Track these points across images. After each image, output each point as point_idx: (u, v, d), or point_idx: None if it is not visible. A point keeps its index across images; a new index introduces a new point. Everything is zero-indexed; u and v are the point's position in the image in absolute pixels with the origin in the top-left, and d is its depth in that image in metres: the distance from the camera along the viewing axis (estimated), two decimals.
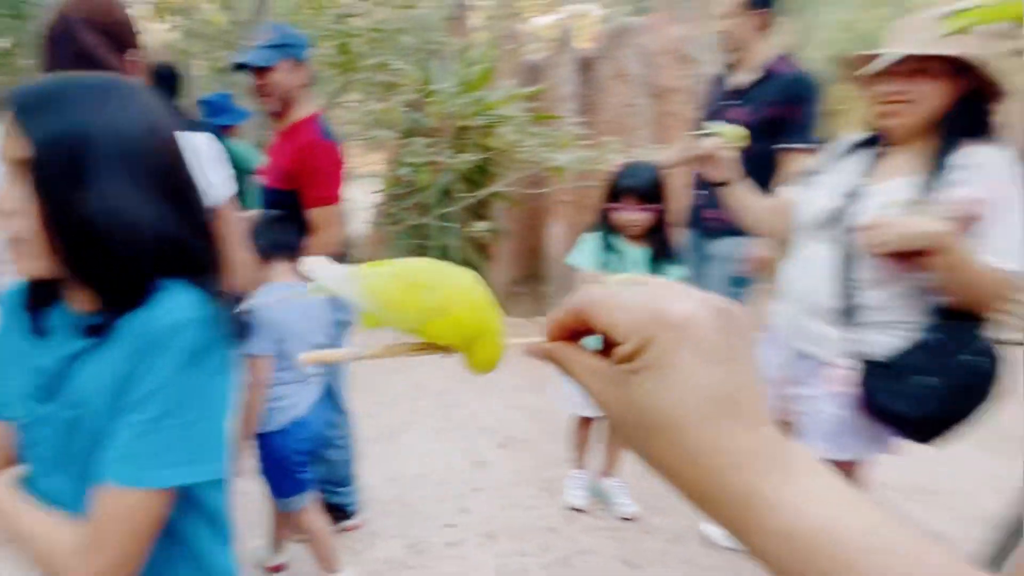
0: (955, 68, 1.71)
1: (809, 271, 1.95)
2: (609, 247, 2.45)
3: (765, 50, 2.94)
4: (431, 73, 4.67)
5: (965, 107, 1.76)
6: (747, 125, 2.67)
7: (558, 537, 2.61)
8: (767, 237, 2.38)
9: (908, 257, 1.69)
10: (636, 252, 2.45)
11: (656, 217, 2.43)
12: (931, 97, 1.76)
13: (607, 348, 0.42)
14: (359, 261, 0.57)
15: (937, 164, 1.74)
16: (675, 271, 2.48)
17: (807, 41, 6.07)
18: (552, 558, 2.48)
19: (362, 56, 4.32)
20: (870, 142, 1.94)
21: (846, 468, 1.94)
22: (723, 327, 0.38)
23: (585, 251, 2.49)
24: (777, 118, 2.83)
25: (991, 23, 0.82)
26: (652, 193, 2.41)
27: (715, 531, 2.56)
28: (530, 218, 5.41)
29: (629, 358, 0.39)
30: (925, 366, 1.78)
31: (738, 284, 2.90)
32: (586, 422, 2.79)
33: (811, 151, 2.67)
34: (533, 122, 4.61)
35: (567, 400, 2.74)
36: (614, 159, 4.07)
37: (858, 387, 1.85)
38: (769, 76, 2.90)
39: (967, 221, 1.68)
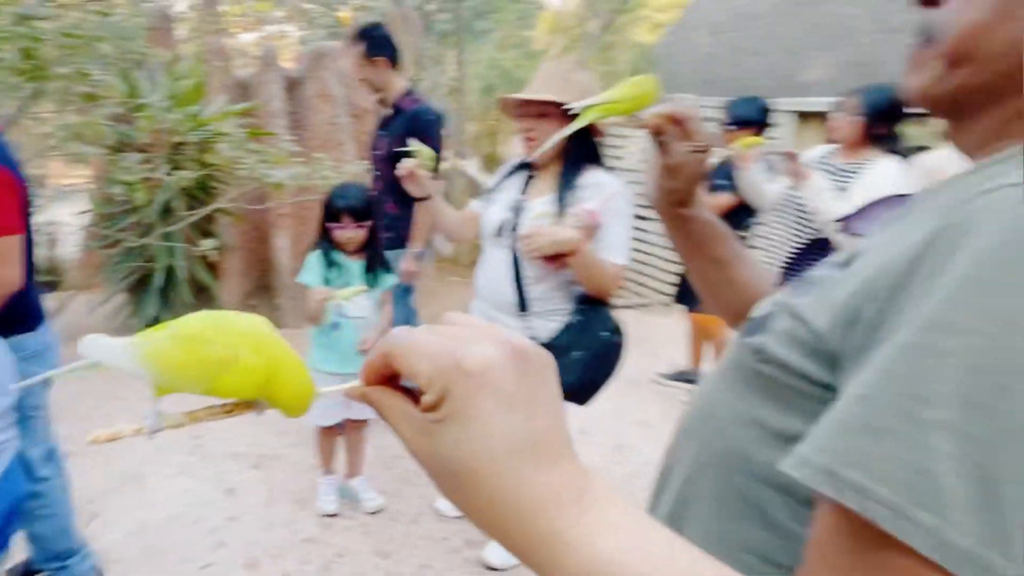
0: (565, 111, 1.96)
1: (492, 272, 2.28)
2: (331, 263, 2.59)
3: (398, 87, 3.26)
4: (137, 85, 4.27)
5: (579, 141, 2.08)
6: (385, 155, 3.15)
7: (316, 546, 2.66)
8: (462, 241, 2.70)
9: (554, 259, 2.08)
10: (355, 265, 2.63)
11: (369, 233, 2.62)
12: (551, 134, 2.00)
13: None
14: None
15: (565, 185, 2.15)
16: (388, 280, 2.71)
17: (467, 75, 6.85)
18: (312, 569, 2.53)
19: (53, 63, 3.80)
20: (525, 164, 2.31)
21: None
22: (520, 370, 0.39)
23: (311, 269, 2.60)
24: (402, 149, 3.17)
25: (626, 113, 0.90)
26: (364, 211, 2.58)
27: (445, 505, 2.82)
28: (255, 232, 5.28)
29: (433, 408, 0.38)
30: (575, 343, 2.17)
31: (403, 291, 3.21)
32: (329, 431, 2.87)
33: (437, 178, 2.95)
34: (248, 138, 4.53)
35: (310, 411, 2.79)
36: (327, 175, 4.19)
37: None
38: (398, 111, 3.23)
39: (591, 228, 2.09)
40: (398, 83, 3.27)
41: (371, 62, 3.20)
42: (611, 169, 2.26)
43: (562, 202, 2.12)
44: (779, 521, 0.59)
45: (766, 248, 3.35)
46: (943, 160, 3.31)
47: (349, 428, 2.90)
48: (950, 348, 0.41)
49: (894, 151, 2.98)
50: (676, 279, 4.44)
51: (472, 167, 6.02)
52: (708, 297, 1.01)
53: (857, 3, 5.89)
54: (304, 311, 2.65)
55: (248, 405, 0.46)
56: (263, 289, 5.45)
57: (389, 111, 3.29)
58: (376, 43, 3.20)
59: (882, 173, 2.83)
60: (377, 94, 3.31)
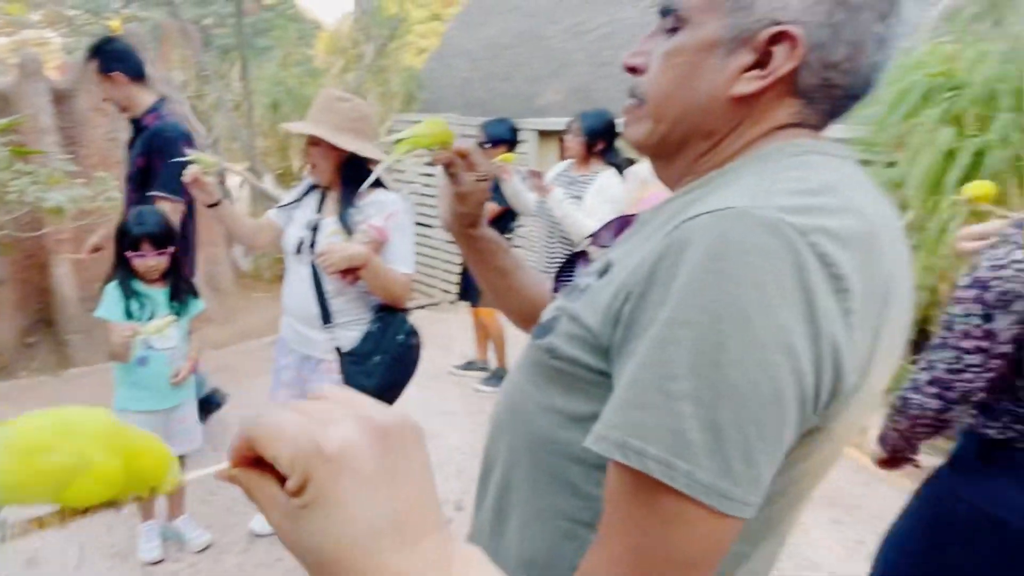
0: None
1: (296, 288, 2.34)
2: (131, 293, 2.38)
3: (143, 103, 3.00)
4: None
5: (352, 165, 2.25)
6: (129, 175, 3.00)
7: None
8: (257, 248, 2.67)
9: (348, 272, 2.17)
10: (158, 294, 2.45)
11: (171, 258, 2.45)
12: (323, 159, 2.26)
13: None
14: None
15: (345, 205, 2.25)
16: (196, 306, 2.55)
17: (252, 91, 7.02)
18: None
19: None
20: (318, 185, 2.39)
21: None
22: (382, 448, 0.37)
23: (110, 302, 2.37)
24: (145, 168, 2.92)
25: (426, 148, 0.95)
26: (164, 236, 2.42)
27: (259, 523, 2.75)
28: (30, 261, 4.75)
29: (297, 493, 0.36)
30: (375, 348, 2.27)
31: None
32: None
33: (172, 201, 2.78)
34: (14, 158, 4.24)
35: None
36: (113, 196, 3.98)
37: (340, 374, 2.29)
38: (141, 129, 2.99)
39: (378, 242, 2.21)
40: (143, 99, 3.01)
41: (108, 78, 2.93)
42: (387, 187, 2.39)
43: (345, 221, 2.23)
44: (582, 488, 0.71)
45: (528, 248, 3.82)
46: (650, 169, 4.22)
47: None
48: (681, 337, 0.55)
49: (613, 163, 3.55)
50: (459, 279, 4.75)
51: (267, 182, 6.15)
52: (499, 304, 1.11)
53: (577, 41, 6.97)
54: (107, 348, 2.37)
55: (106, 504, 0.40)
56: (44, 324, 4.91)
57: (131, 130, 3.08)
58: (110, 57, 2.94)
59: (605, 182, 3.41)
60: (124, 112, 3.04)
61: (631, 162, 6.48)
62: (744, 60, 0.67)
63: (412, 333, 2.37)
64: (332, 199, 2.36)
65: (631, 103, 0.77)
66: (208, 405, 3.41)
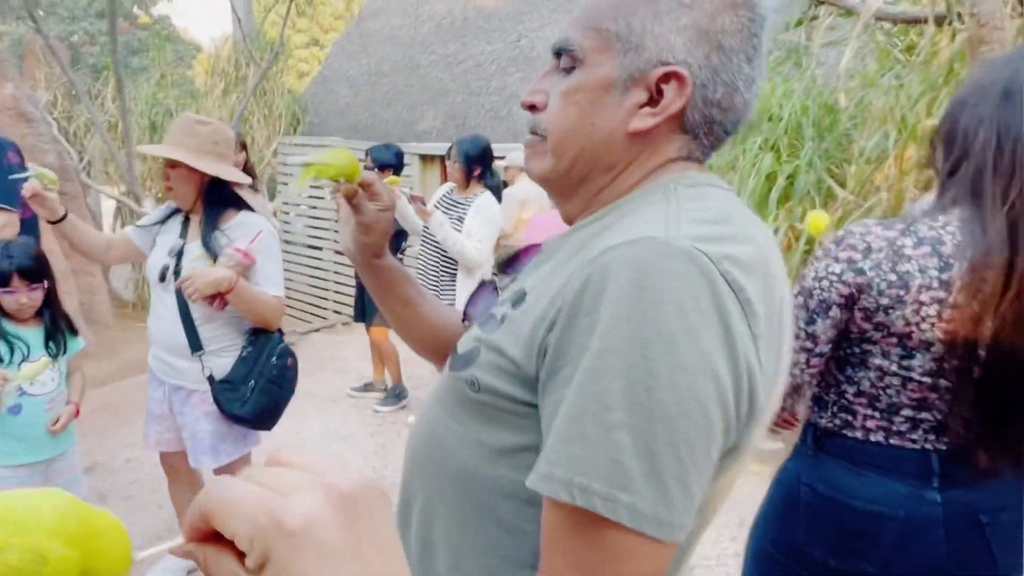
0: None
1: (163, 317, 2.20)
2: (1, 336, 2.07)
3: None
4: None
5: (215, 188, 2.18)
6: None
7: None
8: (108, 264, 2.62)
9: (215, 298, 2.08)
10: (31, 335, 2.13)
11: (45, 294, 2.14)
12: (183, 183, 2.15)
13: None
14: None
15: (208, 229, 2.15)
16: (75, 344, 2.25)
17: (128, 112, 6.76)
18: None
19: None
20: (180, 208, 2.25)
21: (233, 467, 2.24)
22: (347, 518, 0.33)
23: None
24: None
25: (331, 179, 0.87)
26: (37, 271, 2.10)
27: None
28: None
29: (256, 572, 0.33)
30: (249, 373, 2.17)
31: None
32: None
33: (5, 211, 2.43)
34: None
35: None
36: None
37: (215, 402, 2.18)
38: None
39: (244, 266, 2.11)
40: None
41: None
42: (253, 210, 2.27)
43: (209, 245, 2.13)
44: (513, 524, 0.67)
45: (417, 267, 3.87)
46: (525, 190, 4.36)
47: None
48: (612, 366, 0.55)
49: (490, 186, 3.73)
50: (355, 300, 4.67)
51: (147, 207, 5.87)
52: (403, 334, 1.06)
53: (450, 71, 7.24)
54: None
55: None
56: None
57: None
58: None
59: (483, 204, 3.55)
60: None
61: (506, 184, 6.72)
62: (638, 98, 0.69)
63: (286, 354, 2.28)
64: (195, 223, 2.24)
65: (532, 139, 0.76)
66: None
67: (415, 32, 7.64)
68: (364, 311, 4.44)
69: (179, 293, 2.13)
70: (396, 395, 4.48)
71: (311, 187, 7.83)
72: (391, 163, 4.10)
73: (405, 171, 5.45)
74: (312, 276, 7.45)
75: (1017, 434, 1.12)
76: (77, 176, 6.24)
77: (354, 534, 0.33)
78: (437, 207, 3.61)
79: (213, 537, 0.35)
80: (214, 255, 2.14)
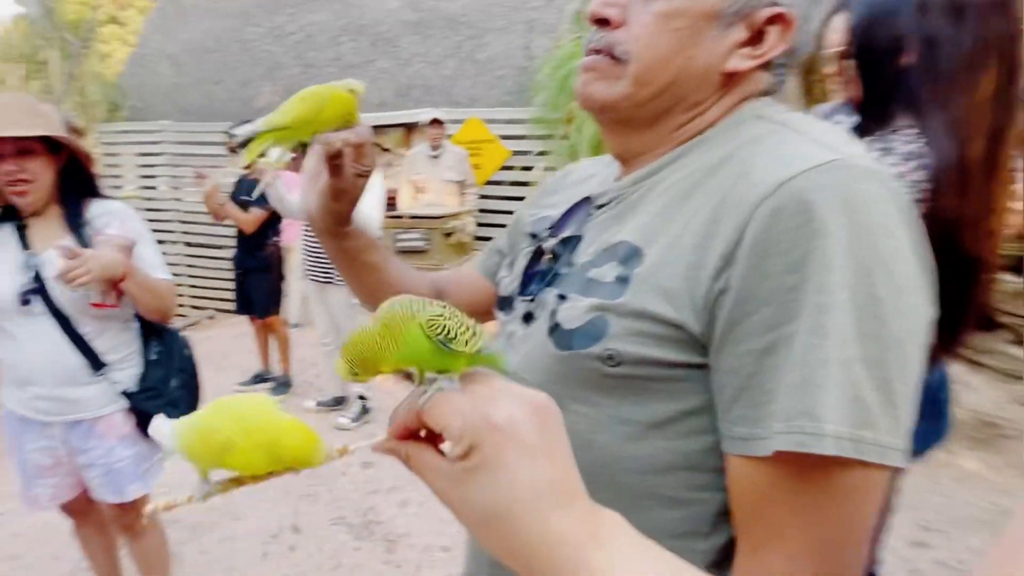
0: (51, 146, 1.68)
1: (35, 350, 1.70)
2: None
3: None
4: None
5: (72, 175, 1.74)
6: None
7: None
8: None
9: (108, 292, 1.68)
10: None
11: None
12: (44, 172, 1.68)
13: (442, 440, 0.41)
14: None
15: (76, 223, 1.72)
16: None
17: None
18: None
19: None
20: (5, 216, 1.74)
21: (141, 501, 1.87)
22: (540, 423, 0.38)
23: None
24: None
25: (304, 138, 0.71)
26: None
27: None
28: None
29: (462, 459, 0.38)
30: (167, 374, 1.83)
31: None
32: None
33: None
34: None
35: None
36: None
37: (133, 419, 1.81)
38: None
39: (128, 248, 1.71)
40: None
41: None
42: (110, 197, 1.88)
43: (82, 241, 1.68)
44: (676, 495, 0.58)
45: (303, 254, 3.55)
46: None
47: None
48: (838, 300, 0.48)
49: None
50: (235, 291, 4.23)
51: None
52: (371, 303, 0.89)
53: (280, 44, 6.51)
54: None
55: (264, 475, 0.45)
56: None
57: None
58: None
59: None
60: None
61: (384, 149, 6.24)
62: (738, 36, 0.61)
63: (188, 344, 1.96)
64: (42, 226, 1.72)
65: (598, 59, 0.64)
66: None
67: (237, 3, 6.77)
68: (249, 302, 4.06)
69: (57, 313, 1.68)
70: (286, 384, 4.20)
71: (142, 176, 6.90)
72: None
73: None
74: (189, 266, 6.68)
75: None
76: None
77: (546, 437, 0.38)
78: None
79: (414, 438, 0.41)
80: (83, 250, 1.67)
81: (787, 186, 0.51)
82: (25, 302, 1.66)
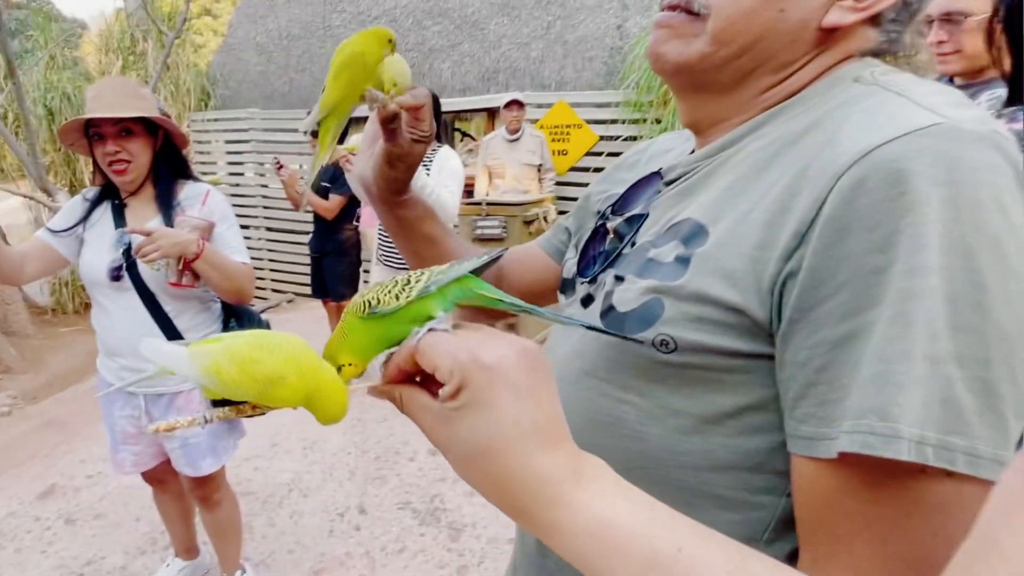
0: (149, 128, 1.80)
1: (122, 322, 1.82)
2: None
3: None
4: None
5: (166, 157, 1.85)
6: None
7: None
8: (19, 283, 2.05)
9: (185, 269, 1.77)
10: None
11: None
12: (143, 153, 1.79)
13: (436, 387, 0.42)
14: None
15: (167, 204, 1.82)
16: None
17: (27, 97, 5.89)
18: None
19: None
20: (105, 195, 1.87)
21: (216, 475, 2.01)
22: (529, 366, 0.39)
23: None
24: None
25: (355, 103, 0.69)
26: None
27: None
28: None
29: (452, 397, 0.39)
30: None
31: None
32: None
33: None
34: None
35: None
36: None
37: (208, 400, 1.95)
38: None
39: (205, 229, 1.80)
40: None
41: None
42: (199, 179, 1.98)
43: (170, 223, 1.79)
44: (733, 496, 0.54)
45: (381, 235, 3.58)
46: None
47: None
48: (930, 285, 0.42)
49: (439, 138, 3.39)
50: (311, 276, 4.38)
51: (61, 201, 5.16)
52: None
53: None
54: None
55: (284, 406, 0.47)
56: None
57: None
58: None
59: (446, 156, 3.20)
60: None
61: (465, 135, 6.20)
62: None
63: (268, 326, 1.97)
64: (137, 207, 1.85)
65: (673, 16, 0.59)
66: None
67: None
68: (324, 286, 4.13)
69: (142, 289, 1.79)
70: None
71: (230, 163, 7.18)
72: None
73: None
74: (270, 251, 6.92)
75: None
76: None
77: (534, 379, 0.40)
78: None
79: (407, 383, 0.44)
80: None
81: (877, 153, 0.45)
82: (116, 277, 1.79)
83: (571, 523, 0.38)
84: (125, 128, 1.76)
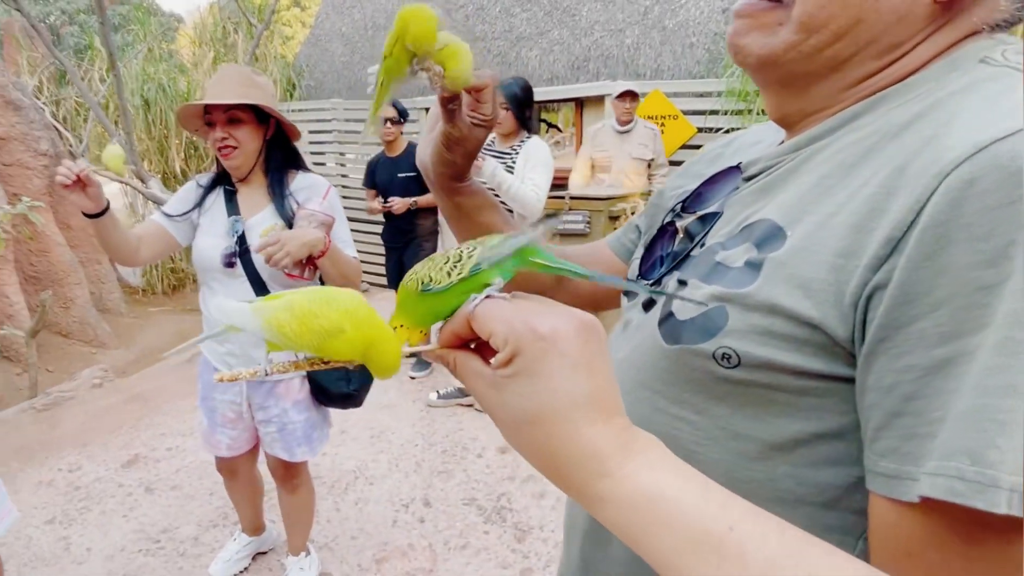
0: (259, 115, 1.91)
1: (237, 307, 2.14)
2: None
3: None
4: None
5: (278, 146, 1.97)
6: None
7: None
8: (135, 265, 2.08)
9: (303, 266, 1.85)
10: None
11: None
12: (251, 141, 1.89)
13: (489, 354, 0.43)
14: None
15: (279, 193, 1.93)
16: None
17: (125, 88, 6.46)
18: None
19: None
20: (219, 181, 2.01)
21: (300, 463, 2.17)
22: (583, 338, 0.40)
23: None
24: None
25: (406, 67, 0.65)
26: None
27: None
28: None
29: (505, 364, 0.40)
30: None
31: None
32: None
33: None
34: None
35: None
36: None
37: (311, 387, 2.06)
38: None
39: (328, 225, 1.89)
40: None
41: None
42: (309, 170, 2.10)
43: (283, 212, 1.92)
44: None
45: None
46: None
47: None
48: None
49: (531, 131, 3.40)
50: (385, 266, 4.64)
51: (154, 187, 5.65)
52: None
53: (450, 17, 6.80)
54: None
55: (342, 362, 0.50)
56: None
57: None
58: None
59: (534, 147, 3.23)
60: None
61: (551, 126, 6.17)
62: None
63: None
64: (248, 194, 1.99)
65: (753, 2, 0.56)
66: None
67: None
68: (398, 277, 4.28)
69: (253, 276, 1.93)
70: (428, 360, 4.37)
71: (313, 152, 7.57)
72: (517, 96, 3.36)
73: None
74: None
75: None
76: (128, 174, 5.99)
77: (588, 351, 0.40)
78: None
79: (462, 348, 0.45)
80: (288, 224, 1.91)
81: (994, 148, 0.41)
82: (229, 264, 1.92)
83: (617, 494, 0.38)
84: (233, 116, 1.88)
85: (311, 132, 7.60)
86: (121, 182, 7.00)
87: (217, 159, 1.98)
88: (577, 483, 0.40)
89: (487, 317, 0.42)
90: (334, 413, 2.26)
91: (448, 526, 2.71)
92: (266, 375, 0.51)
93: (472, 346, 0.46)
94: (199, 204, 2.01)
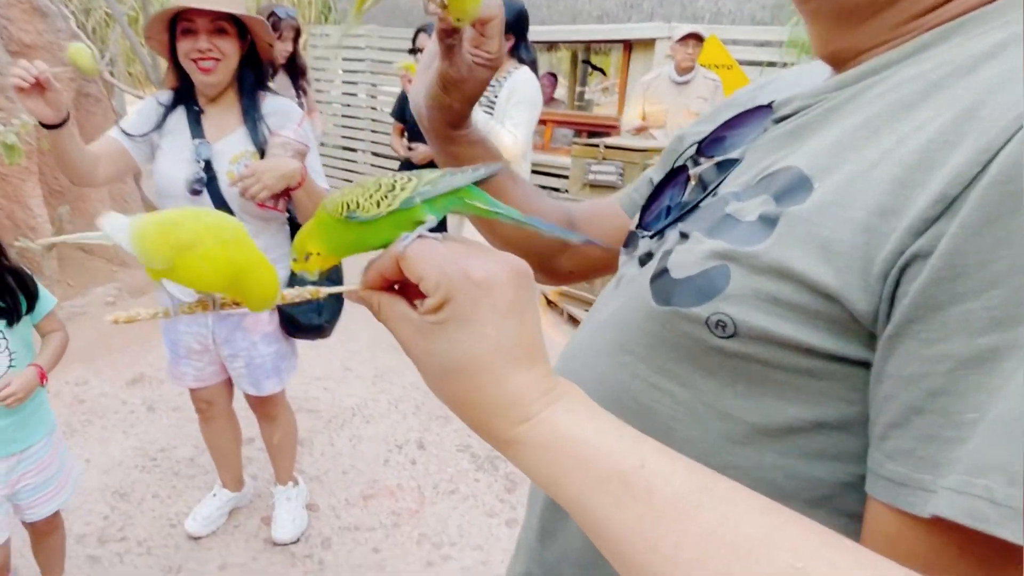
0: (240, 28, 1.87)
1: None
2: None
3: None
4: None
5: (251, 65, 1.93)
6: None
7: None
8: (90, 185, 1.95)
9: (277, 197, 1.86)
10: None
11: None
12: (231, 53, 1.84)
13: (415, 296, 0.44)
14: None
15: (253, 117, 1.90)
16: (43, 305, 1.84)
17: (152, 2, 6.64)
18: None
19: None
20: (180, 99, 1.94)
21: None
22: (516, 284, 0.42)
23: None
24: None
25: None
26: None
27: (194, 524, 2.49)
28: None
29: (435, 311, 0.41)
30: (319, 281, 2.42)
31: None
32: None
33: None
34: None
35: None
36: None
37: (280, 318, 2.12)
38: None
39: (303, 155, 1.90)
40: None
41: None
42: (283, 94, 2.10)
43: (256, 137, 1.91)
44: None
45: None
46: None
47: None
48: None
49: (525, 60, 3.13)
50: None
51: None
52: (486, 230, 0.86)
53: None
54: None
55: (236, 303, 0.52)
56: None
57: None
58: None
59: (521, 81, 3.05)
60: None
61: (596, 69, 6.07)
62: None
63: None
64: (216, 115, 1.95)
65: None
66: None
67: None
68: None
69: (220, 205, 1.91)
70: None
71: (344, 81, 7.69)
72: (507, 21, 3.41)
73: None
74: (346, 181, 7.46)
75: None
76: (100, 75, 6.24)
77: (519, 298, 0.42)
78: None
79: (387, 289, 0.46)
80: (261, 151, 1.90)
81: None
82: (195, 191, 1.91)
83: (530, 436, 0.40)
84: (219, 25, 1.82)
85: (345, 60, 7.71)
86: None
87: (179, 73, 1.92)
88: (497, 430, 0.42)
89: (419, 259, 0.42)
90: (339, 350, 2.35)
91: (439, 470, 2.91)
92: (166, 316, 0.50)
93: (396, 287, 0.47)
94: (159, 125, 1.96)
